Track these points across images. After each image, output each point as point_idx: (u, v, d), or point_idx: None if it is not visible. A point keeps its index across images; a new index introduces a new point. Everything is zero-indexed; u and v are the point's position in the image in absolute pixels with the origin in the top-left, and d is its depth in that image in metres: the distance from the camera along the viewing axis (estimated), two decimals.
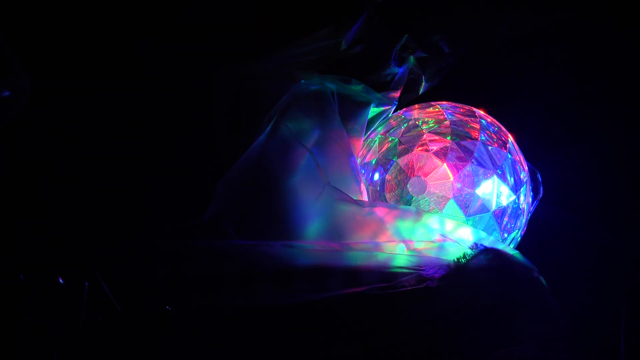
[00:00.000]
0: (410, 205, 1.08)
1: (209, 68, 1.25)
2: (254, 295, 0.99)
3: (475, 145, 1.09)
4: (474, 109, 1.15)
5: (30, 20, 1.22)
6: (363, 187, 1.11)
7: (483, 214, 1.08)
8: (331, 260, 1.02)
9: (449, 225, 1.04)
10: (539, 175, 1.16)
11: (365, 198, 1.11)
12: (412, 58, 1.26)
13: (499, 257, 1.01)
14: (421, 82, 1.28)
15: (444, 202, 1.07)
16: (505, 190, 1.09)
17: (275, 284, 0.99)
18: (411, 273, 0.99)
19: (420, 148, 1.10)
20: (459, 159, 1.08)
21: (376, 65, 1.26)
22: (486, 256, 1.01)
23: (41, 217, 1.11)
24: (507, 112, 1.21)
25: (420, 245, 1.04)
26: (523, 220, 1.13)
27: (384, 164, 1.12)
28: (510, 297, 0.98)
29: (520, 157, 1.13)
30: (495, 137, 1.12)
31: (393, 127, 1.16)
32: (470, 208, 1.07)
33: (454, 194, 1.07)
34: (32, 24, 1.22)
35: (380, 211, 1.05)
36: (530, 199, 1.15)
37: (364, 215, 1.05)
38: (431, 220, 1.04)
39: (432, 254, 1.03)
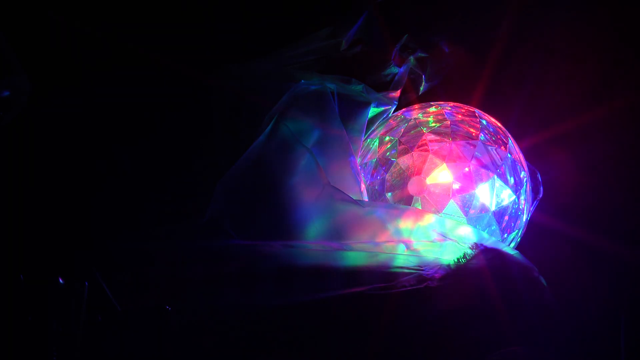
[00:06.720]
0: (410, 205, 1.08)
1: (209, 68, 1.25)
2: (254, 295, 0.99)
3: (475, 145, 1.09)
4: (474, 109, 1.15)
5: (30, 20, 1.22)
6: (363, 187, 1.11)
7: (483, 214, 1.08)
8: (331, 260, 1.02)
9: (449, 225, 1.04)
10: (539, 175, 1.16)
11: (365, 198, 1.11)
12: (412, 58, 1.26)
13: (499, 257, 1.01)
14: (421, 82, 1.28)
15: (444, 202, 1.07)
16: (505, 190, 1.09)
17: (275, 284, 0.99)
18: (411, 273, 0.99)
19: (420, 148, 1.10)
20: (459, 159, 1.08)
21: (376, 65, 1.26)
22: (486, 256, 1.01)
23: (41, 217, 1.10)
24: (507, 112, 1.21)
25: (420, 245, 1.04)
26: (523, 220, 1.13)
27: (384, 164, 1.12)
28: (510, 298, 0.98)
29: (520, 157, 1.13)
30: (495, 137, 1.12)
31: (393, 127, 1.16)
32: (470, 208, 1.07)
33: (453, 194, 1.07)
34: (32, 24, 1.22)
35: (380, 211, 1.05)
36: (530, 199, 1.15)
37: (364, 215, 1.05)
38: (431, 220, 1.04)
39: (432, 254, 1.03)
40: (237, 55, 1.26)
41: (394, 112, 1.22)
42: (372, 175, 1.14)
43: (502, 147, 1.10)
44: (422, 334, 0.96)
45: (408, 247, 1.04)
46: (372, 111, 1.21)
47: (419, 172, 1.09)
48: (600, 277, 1.14)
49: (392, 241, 1.05)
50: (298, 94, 1.18)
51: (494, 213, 1.08)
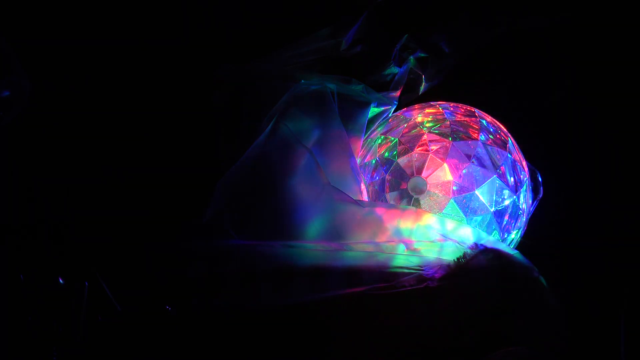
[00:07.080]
0: (410, 205, 1.08)
1: (209, 68, 1.25)
2: (254, 295, 0.99)
3: (475, 145, 1.09)
4: (474, 109, 1.15)
5: (30, 20, 1.22)
6: (363, 187, 1.11)
7: (483, 214, 1.08)
8: (331, 260, 1.02)
9: (449, 225, 1.04)
10: (539, 175, 1.16)
11: (365, 198, 1.11)
12: (412, 58, 1.26)
13: (499, 257, 1.01)
14: (421, 82, 1.28)
15: (444, 202, 1.07)
16: (505, 190, 1.09)
17: (275, 284, 0.99)
18: (411, 273, 0.99)
19: (420, 148, 1.10)
20: (459, 159, 1.08)
21: (376, 65, 1.26)
22: (486, 256, 1.01)
23: (41, 217, 1.11)
24: (507, 112, 1.21)
25: (420, 245, 1.04)
26: (523, 220, 1.13)
27: (384, 164, 1.12)
28: (510, 297, 0.98)
29: (520, 157, 1.13)
30: (495, 137, 1.12)
31: (393, 127, 1.16)
32: (470, 208, 1.07)
33: (453, 194, 1.07)
34: (32, 24, 1.22)
35: (380, 211, 1.05)
36: (530, 199, 1.15)
37: (364, 215, 1.05)
38: (431, 220, 1.04)
39: (432, 254, 1.03)
40: (237, 55, 1.26)
41: (394, 112, 1.22)
42: (372, 175, 1.14)
43: (502, 147, 1.10)
44: (422, 334, 0.96)
45: (408, 247, 1.04)
46: (372, 111, 1.21)
47: (419, 172, 1.09)
48: (600, 277, 1.14)
49: (392, 241, 1.05)
50: (298, 94, 1.18)
51: (494, 213, 1.08)
